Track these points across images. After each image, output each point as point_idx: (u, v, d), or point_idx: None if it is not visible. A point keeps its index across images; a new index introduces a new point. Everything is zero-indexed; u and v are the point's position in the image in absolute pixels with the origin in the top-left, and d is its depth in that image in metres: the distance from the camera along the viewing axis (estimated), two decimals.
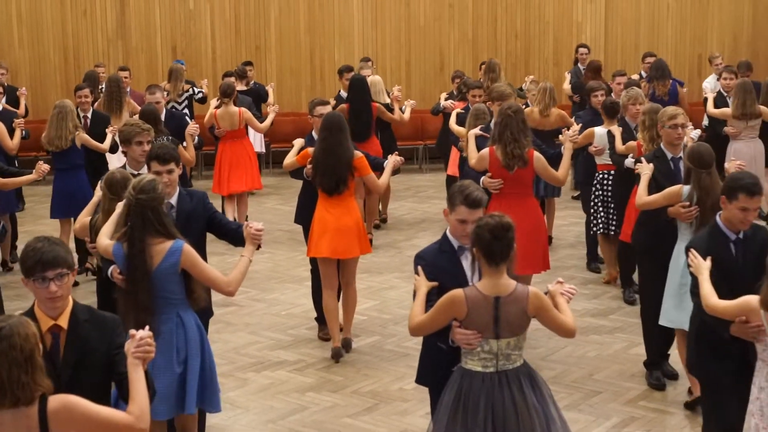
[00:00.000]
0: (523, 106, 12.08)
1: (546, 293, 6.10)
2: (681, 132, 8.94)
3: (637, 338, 9.73)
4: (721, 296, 6.20)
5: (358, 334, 10.30)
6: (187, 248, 6.51)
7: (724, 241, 6.71)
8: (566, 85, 16.94)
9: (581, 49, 18.51)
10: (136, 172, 8.12)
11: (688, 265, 6.57)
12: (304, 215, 10.20)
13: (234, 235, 7.39)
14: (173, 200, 7.41)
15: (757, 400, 6.12)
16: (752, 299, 5.98)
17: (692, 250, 6.56)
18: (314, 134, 10.34)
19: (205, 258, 7.02)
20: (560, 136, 10.04)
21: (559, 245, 13.75)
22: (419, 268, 6.23)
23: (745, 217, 6.62)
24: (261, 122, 14.68)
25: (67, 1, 19.95)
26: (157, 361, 6.16)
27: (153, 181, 6.58)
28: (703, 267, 6.37)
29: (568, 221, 14.68)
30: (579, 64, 18.10)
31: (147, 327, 4.93)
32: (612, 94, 13.04)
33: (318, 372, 9.46)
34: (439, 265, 6.21)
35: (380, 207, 15.39)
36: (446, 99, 15.02)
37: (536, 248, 9.36)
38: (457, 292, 5.83)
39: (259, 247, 6.92)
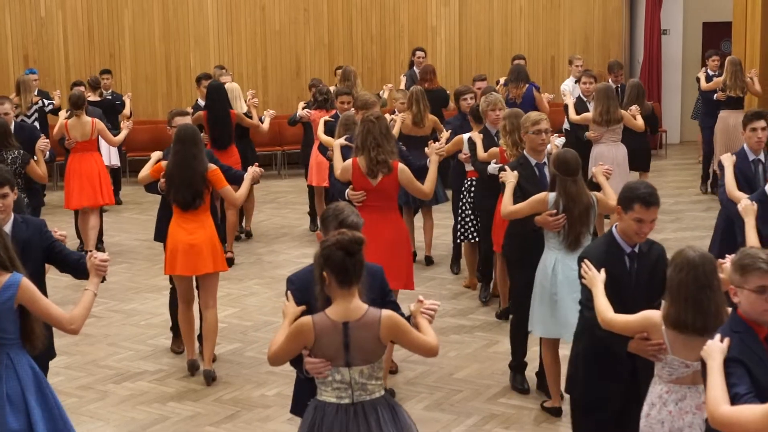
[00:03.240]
0: (390, 115, 11.95)
1: (408, 316, 5.84)
2: (545, 138, 8.81)
3: (496, 336, 9.90)
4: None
5: (219, 342, 10.20)
6: (26, 282, 5.84)
7: (618, 254, 6.48)
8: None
9: (418, 53, 18.24)
10: None
11: (581, 277, 6.33)
12: (164, 231, 9.67)
13: (76, 267, 6.83)
14: (7, 228, 6.73)
15: (647, 417, 5.89)
16: (654, 314, 5.77)
17: (586, 260, 6.35)
18: None
19: (45, 292, 6.48)
20: (426, 148, 9.60)
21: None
22: (289, 293, 5.90)
23: (641, 229, 6.38)
24: (114, 135, 14.27)
25: None
26: None
27: None
28: (598, 279, 6.16)
29: None
30: (414, 68, 17.84)
31: None
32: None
33: (179, 381, 9.38)
34: (311, 290, 5.74)
35: (243, 220, 15.21)
36: (303, 108, 14.77)
37: (399, 263, 8.91)
38: (305, 320, 5.50)
39: (104, 279, 6.43)
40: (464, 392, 9.01)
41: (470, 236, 11.68)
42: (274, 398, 8.70)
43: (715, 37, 22.64)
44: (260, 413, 8.63)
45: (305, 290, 5.80)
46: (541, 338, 8.50)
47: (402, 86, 16.48)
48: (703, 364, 4.97)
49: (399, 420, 5.68)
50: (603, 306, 6.00)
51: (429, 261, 13.18)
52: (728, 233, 8.03)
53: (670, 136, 22.76)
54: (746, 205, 7.76)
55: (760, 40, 18.47)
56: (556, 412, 8.43)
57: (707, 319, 5.51)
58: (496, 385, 9.14)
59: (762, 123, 9.36)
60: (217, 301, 9.74)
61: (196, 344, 9.79)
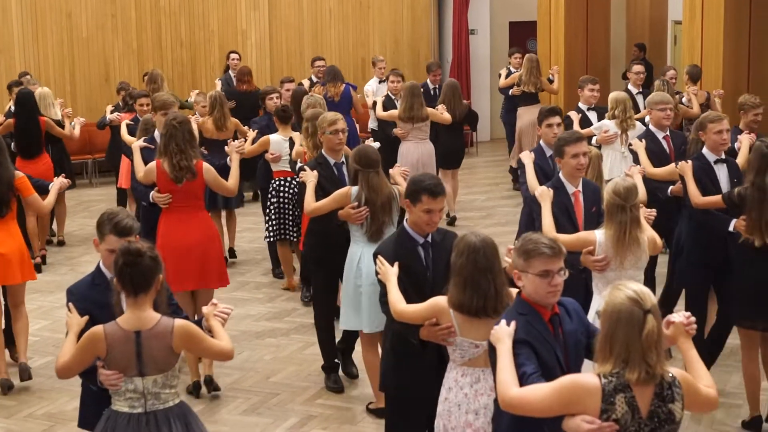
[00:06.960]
0: (193, 117, 11.90)
1: (201, 318, 5.89)
2: (342, 137, 8.93)
3: (312, 338, 9.91)
4: (412, 302, 6.05)
5: (32, 356, 10.02)
6: None
7: (411, 246, 6.59)
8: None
9: (232, 55, 18.43)
10: None
11: (377, 273, 6.38)
12: None
13: None
14: None
15: (445, 401, 5.92)
16: (441, 300, 5.85)
17: (379, 256, 6.39)
18: None
19: None
20: (226, 147, 9.94)
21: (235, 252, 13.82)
22: (70, 304, 5.88)
23: (431, 219, 6.53)
24: None
25: None
26: None
27: None
28: (391, 273, 6.20)
29: (241, 227, 14.75)
30: (230, 71, 17.98)
31: None
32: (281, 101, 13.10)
33: None
34: (92, 299, 5.87)
35: (56, 226, 15.05)
36: (112, 111, 14.89)
37: (211, 262, 9.05)
38: (96, 329, 5.48)
39: None
40: (281, 395, 9.04)
41: (278, 235, 11.86)
42: None
43: (522, 36, 23.14)
44: (75, 427, 8.45)
45: (85, 300, 5.87)
46: (360, 336, 8.58)
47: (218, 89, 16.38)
48: (492, 348, 5.04)
49: (192, 429, 5.72)
50: (395, 298, 6.08)
51: (232, 254, 13.36)
52: (530, 227, 8.24)
53: (480, 134, 23.15)
54: (543, 190, 7.89)
55: (564, 39, 19.05)
56: (382, 414, 8.02)
57: (487, 300, 5.62)
58: (313, 387, 9.19)
59: (557, 119, 9.69)
60: (30, 314, 9.63)
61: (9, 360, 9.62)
